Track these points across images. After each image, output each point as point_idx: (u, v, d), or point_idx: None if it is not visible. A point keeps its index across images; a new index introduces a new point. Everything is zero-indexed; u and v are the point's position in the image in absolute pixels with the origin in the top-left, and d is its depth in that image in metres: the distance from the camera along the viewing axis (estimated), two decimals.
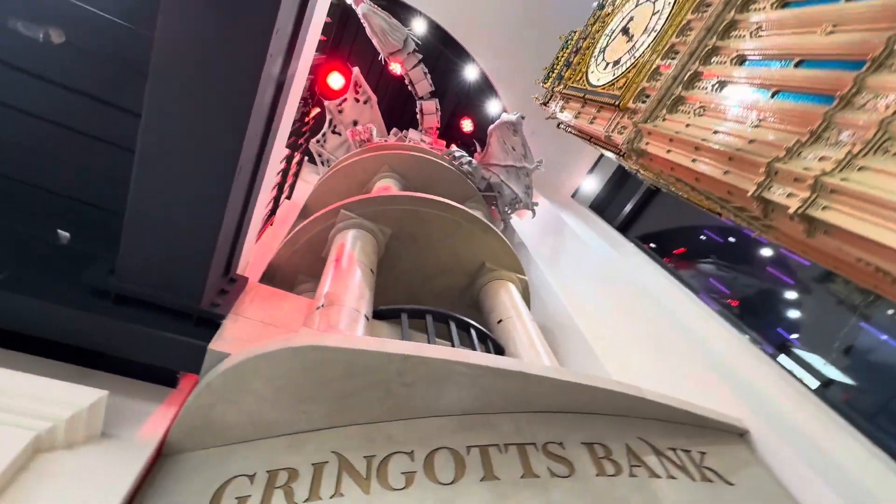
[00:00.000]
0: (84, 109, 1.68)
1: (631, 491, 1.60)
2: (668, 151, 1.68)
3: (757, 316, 3.34)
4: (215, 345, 1.65)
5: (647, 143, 1.83)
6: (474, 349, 2.26)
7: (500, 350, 2.47)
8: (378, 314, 2.26)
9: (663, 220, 4.87)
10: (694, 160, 1.54)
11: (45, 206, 1.78)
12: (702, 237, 4.61)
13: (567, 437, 1.75)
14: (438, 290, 3.30)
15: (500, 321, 2.77)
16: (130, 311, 1.64)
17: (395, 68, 4.92)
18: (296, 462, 1.60)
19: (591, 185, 5.66)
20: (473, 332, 2.35)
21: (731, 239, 4.27)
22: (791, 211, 1.12)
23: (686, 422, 2.02)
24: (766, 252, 3.79)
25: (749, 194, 1.28)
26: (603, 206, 5.51)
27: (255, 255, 3.04)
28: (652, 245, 4.80)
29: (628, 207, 4.97)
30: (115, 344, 1.61)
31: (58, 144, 1.72)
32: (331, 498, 1.48)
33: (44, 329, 1.53)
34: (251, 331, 1.79)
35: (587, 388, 1.76)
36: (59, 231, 1.77)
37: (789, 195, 1.15)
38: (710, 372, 2.58)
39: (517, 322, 2.72)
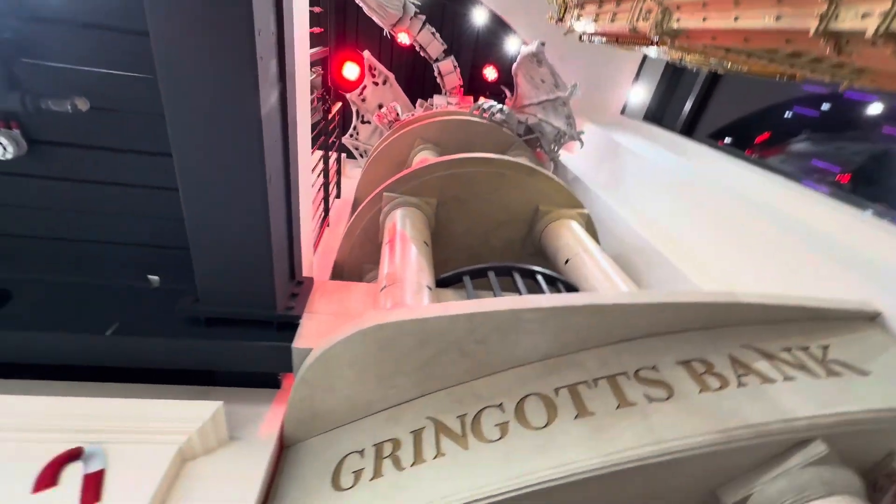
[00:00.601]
0: (136, 165, 1.85)
1: (742, 401, 1.47)
2: (705, 19, 1.44)
3: (878, 186, 2.86)
4: (298, 343, 1.78)
5: (678, 20, 1.58)
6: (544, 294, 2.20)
7: (572, 290, 2.38)
8: (441, 282, 2.29)
9: (733, 109, 4.31)
10: (736, 18, 1.30)
11: (132, 258, 2.01)
12: (786, 115, 4.02)
13: (659, 360, 1.65)
14: (499, 246, 3.25)
15: (568, 261, 2.66)
16: (221, 330, 1.82)
17: (403, 38, 4.79)
18: (396, 432, 1.69)
19: (640, 94, 5.13)
20: (540, 278, 2.29)
21: (825, 106, 3.66)
22: (870, 34, 0.90)
23: (798, 318, 1.80)
24: (875, 109, 3.20)
25: (812, 34, 1.05)
26: (659, 114, 4.99)
27: (321, 257, 3.22)
28: (727, 140, 4.28)
29: (688, 106, 4.45)
30: (217, 360, 1.81)
31: (124, 202, 1.92)
32: (434, 459, 1.55)
33: (157, 360, 1.75)
34: (326, 324, 1.90)
35: (670, 305, 1.64)
36: (149, 276, 2.00)
37: (864, 16, 0.92)
38: (826, 260, 2.27)
39: (586, 258, 2.59)
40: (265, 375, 1.96)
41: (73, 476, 1.39)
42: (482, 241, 3.22)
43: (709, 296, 1.71)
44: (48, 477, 1.37)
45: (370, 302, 2.11)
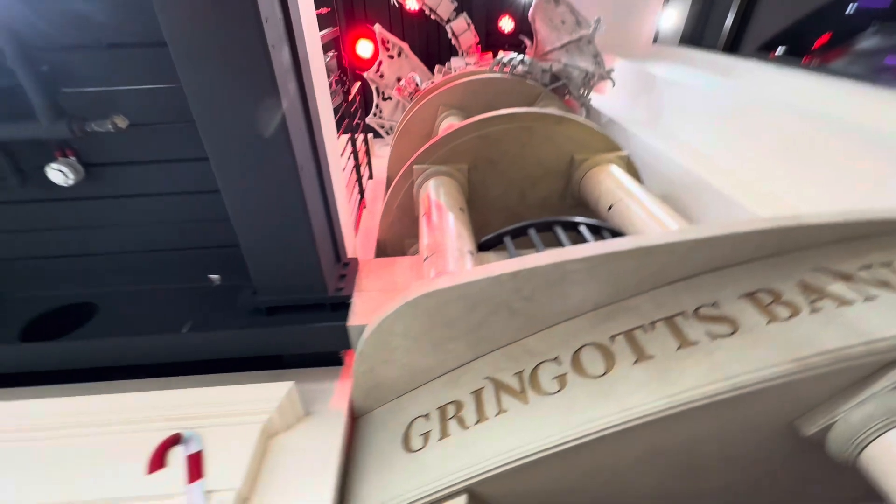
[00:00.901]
0: (181, 173, 1.95)
1: (817, 327, 1.38)
2: None
3: None
4: (352, 321, 1.86)
5: None
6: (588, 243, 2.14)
7: (618, 237, 2.30)
8: (482, 246, 2.28)
9: (784, 14, 3.86)
10: None
11: (192, 260, 2.15)
12: (849, 10, 3.56)
13: (719, 295, 1.58)
14: (537, 203, 3.18)
15: (611, 207, 2.56)
16: (281, 317, 1.93)
17: (411, 4, 4.63)
18: (457, 395, 1.75)
19: (672, 18, 4.69)
20: (583, 228, 2.22)
21: None
22: None
23: (877, 232, 1.64)
24: None
25: None
26: (697, 35, 4.56)
27: (363, 237, 3.30)
28: (779, 51, 3.86)
29: (729, 20, 4.03)
30: (281, 345, 1.93)
31: (177, 210, 2.04)
32: (496, 416, 1.59)
33: (229, 350, 1.90)
34: (376, 300, 1.97)
35: (725, 237, 1.54)
36: (210, 276, 2.14)
37: None
38: None
39: (629, 201, 2.48)
40: (328, 354, 2.07)
41: (177, 458, 1.55)
42: (519, 201, 3.16)
43: (769, 222, 1.59)
44: (157, 460, 1.54)
45: (415, 274, 2.15)
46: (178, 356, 1.90)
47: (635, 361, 1.48)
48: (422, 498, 1.51)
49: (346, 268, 2.13)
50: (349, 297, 1.96)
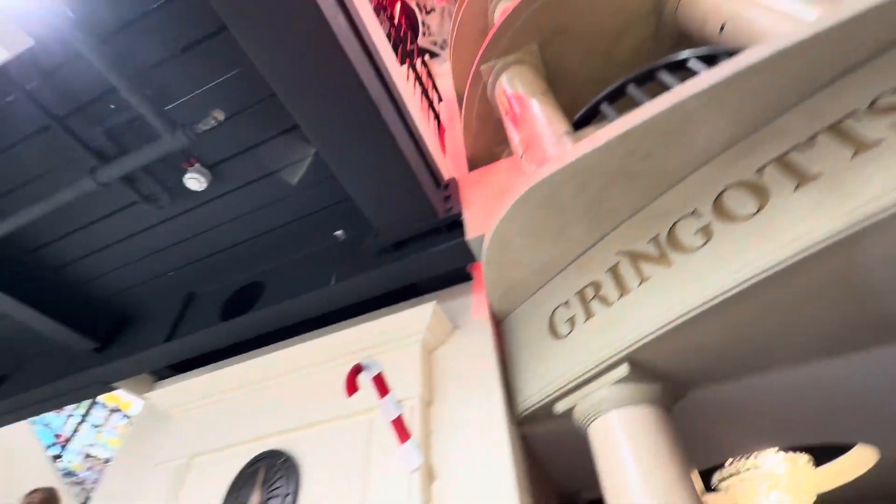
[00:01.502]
0: (283, 147, 2.09)
1: None
2: None
3: None
4: (469, 235, 1.91)
5: None
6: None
7: None
8: (578, 124, 2.09)
9: None
10: None
11: (319, 223, 2.37)
12: None
13: None
14: (628, 59, 2.77)
15: (723, 26, 2.11)
16: (406, 250, 2.07)
17: None
18: (592, 276, 1.73)
19: None
20: (693, 63, 1.87)
21: None
22: None
23: None
24: None
25: None
26: None
27: (452, 159, 3.27)
28: None
29: None
30: (414, 273, 2.09)
31: (292, 181, 2.24)
32: (639, 286, 1.55)
33: (372, 289, 2.12)
34: (485, 209, 1.98)
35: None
36: (335, 233, 2.36)
37: None
38: None
39: (745, 9, 2.01)
40: (457, 272, 2.19)
41: (365, 381, 1.84)
42: (606, 63, 2.79)
43: None
44: (351, 385, 1.84)
45: (516, 174, 2.10)
46: (334, 304, 2.19)
47: (797, 187, 1.28)
48: (584, 374, 1.58)
49: (448, 189, 2.16)
50: (459, 214, 2.01)
